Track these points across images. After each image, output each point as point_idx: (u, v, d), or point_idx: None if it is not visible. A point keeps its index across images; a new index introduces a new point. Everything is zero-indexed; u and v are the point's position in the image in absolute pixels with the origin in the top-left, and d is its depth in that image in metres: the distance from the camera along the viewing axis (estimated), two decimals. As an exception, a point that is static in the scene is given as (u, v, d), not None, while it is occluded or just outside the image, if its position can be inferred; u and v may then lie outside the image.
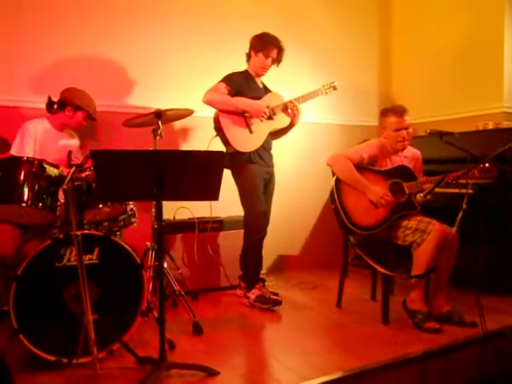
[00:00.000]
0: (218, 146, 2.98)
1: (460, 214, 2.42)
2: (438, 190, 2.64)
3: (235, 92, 3.06)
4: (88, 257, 2.18)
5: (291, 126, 3.25)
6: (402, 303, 2.70)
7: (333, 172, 2.99)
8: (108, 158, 1.96)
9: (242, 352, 2.41)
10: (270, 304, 2.99)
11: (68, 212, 2.17)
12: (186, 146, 3.64)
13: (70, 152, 2.25)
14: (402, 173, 2.80)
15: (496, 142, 2.87)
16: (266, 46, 3.11)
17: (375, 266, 2.76)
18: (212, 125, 3.11)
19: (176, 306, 3.01)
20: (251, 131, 3.07)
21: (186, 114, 2.89)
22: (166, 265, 2.82)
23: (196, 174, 2.04)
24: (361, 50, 4.47)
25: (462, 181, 2.54)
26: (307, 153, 4.14)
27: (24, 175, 2.21)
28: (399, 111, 2.79)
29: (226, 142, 3.04)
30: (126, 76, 3.45)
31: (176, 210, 3.39)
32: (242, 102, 3.03)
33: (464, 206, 2.40)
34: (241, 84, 3.10)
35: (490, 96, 3.73)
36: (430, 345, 2.33)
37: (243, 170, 3.10)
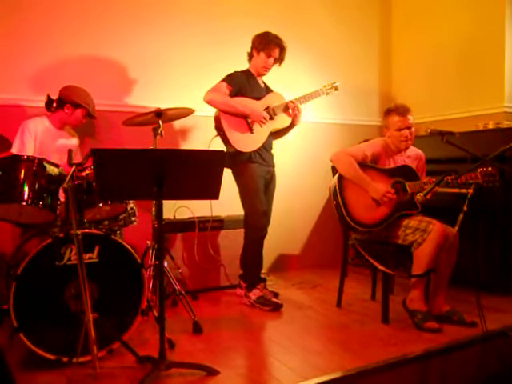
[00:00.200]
0: (218, 145, 2.98)
1: (461, 216, 2.42)
2: (438, 189, 2.64)
3: (236, 92, 3.05)
4: (88, 256, 2.18)
5: (292, 126, 3.25)
6: (402, 303, 2.70)
7: (333, 171, 3.00)
8: (108, 157, 1.95)
9: (242, 351, 2.41)
10: (270, 306, 2.99)
11: (68, 211, 2.18)
12: (186, 145, 3.64)
13: (70, 151, 2.25)
14: (405, 172, 2.80)
15: (496, 142, 2.87)
16: (268, 45, 3.10)
17: (375, 263, 2.76)
18: (212, 124, 3.11)
19: (176, 305, 3.01)
20: (252, 131, 3.06)
21: (187, 113, 2.89)
22: (166, 264, 2.83)
23: (196, 173, 2.04)
24: (361, 50, 4.47)
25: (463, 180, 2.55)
26: (308, 152, 4.14)
27: (24, 174, 2.21)
28: (402, 111, 2.80)
29: (226, 141, 3.04)
30: (127, 75, 3.45)
31: (176, 209, 3.39)
32: (243, 105, 3.03)
33: (465, 208, 2.40)
34: (242, 83, 3.09)
35: (490, 96, 3.73)
36: (430, 344, 2.33)
37: (244, 169, 3.09)
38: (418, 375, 2.23)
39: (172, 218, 3.41)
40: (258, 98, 3.14)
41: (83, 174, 2.33)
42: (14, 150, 2.74)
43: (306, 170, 4.13)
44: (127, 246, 2.27)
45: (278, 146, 3.35)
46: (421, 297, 2.66)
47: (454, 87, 4.02)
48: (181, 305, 2.78)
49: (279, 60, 3.18)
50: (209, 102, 3.01)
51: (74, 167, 2.16)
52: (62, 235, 2.12)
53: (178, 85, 3.55)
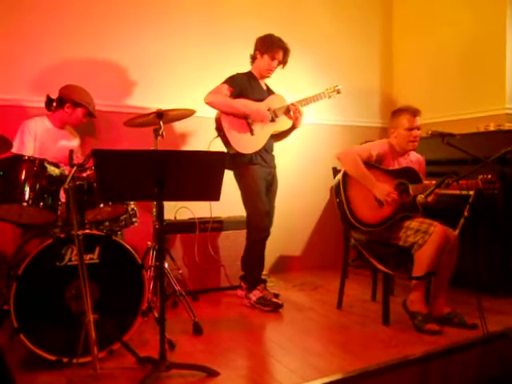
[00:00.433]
0: (218, 146, 2.98)
1: (462, 220, 2.41)
2: (439, 192, 2.64)
3: (237, 93, 3.05)
4: (89, 256, 2.17)
5: (293, 128, 3.25)
6: (403, 304, 2.70)
7: (333, 173, 3.00)
8: (109, 158, 1.95)
9: (243, 352, 2.41)
10: (270, 307, 2.99)
11: (69, 211, 2.18)
12: (187, 147, 3.63)
13: (71, 151, 2.25)
14: (409, 174, 2.80)
15: (497, 144, 2.87)
16: (271, 47, 3.09)
17: (376, 264, 2.75)
18: (213, 125, 3.11)
19: (176, 306, 3.01)
20: (252, 133, 3.06)
21: (188, 114, 2.88)
22: (166, 265, 2.83)
23: (197, 174, 2.04)
24: (363, 51, 4.47)
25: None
26: (309, 154, 4.14)
27: (25, 174, 2.21)
28: (413, 111, 2.81)
29: (227, 143, 3.04)
30: (128, 75, 3.45)
31: (177, 210, 3.39)
32: (244, 106, 3.03)
33: (466, 213, 2.40)
34: (243, 85, 3.09)
35: (491, 97, 3.73)
36: (430, 346, 2.33)
37: (245, 171, 3.09)
38: (418, 377, 2.22)
39: (173, 218, 3.41)
40: (260, 100, 3.13)
41: (84, 174, 2.33)
42: (14, 150, 2.73)
43: (307, 171, 4.13)
44: (128, 246, 2.27)
45: (279, 147, 3.35)
46: (421, 298, 2.65)
47: (455, 89, 4.02)
48: (181, 306, 2.78)
49: (283, 62, 3.18)
50: (209, 104, 3.01)
51: (74, 168, 2.16)
52: (62, 236, 2.12)
53: (179, 86, 3.56)
